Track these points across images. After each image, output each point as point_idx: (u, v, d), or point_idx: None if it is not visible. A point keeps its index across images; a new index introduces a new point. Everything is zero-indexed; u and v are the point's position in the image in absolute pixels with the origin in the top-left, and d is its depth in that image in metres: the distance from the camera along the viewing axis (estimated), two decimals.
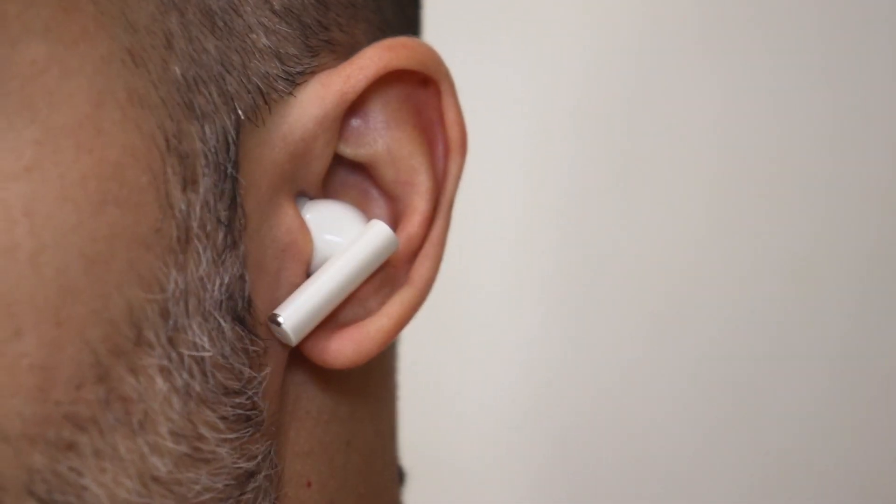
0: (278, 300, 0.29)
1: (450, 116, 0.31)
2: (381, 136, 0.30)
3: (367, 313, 0.30)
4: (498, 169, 0.68)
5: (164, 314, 0.26)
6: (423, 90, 0.31)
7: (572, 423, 0.72)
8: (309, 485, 0.31)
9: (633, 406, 0.71)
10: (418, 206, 0.30)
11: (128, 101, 0.26)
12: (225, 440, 0.27)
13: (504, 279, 0.72)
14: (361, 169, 0.31)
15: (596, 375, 0.72)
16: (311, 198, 0.30)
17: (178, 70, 0.27)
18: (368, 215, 0.31)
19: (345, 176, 0.31)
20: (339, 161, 0.31)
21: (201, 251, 0.27)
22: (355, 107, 0.30)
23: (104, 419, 0.25)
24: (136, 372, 0.26)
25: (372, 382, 0.33)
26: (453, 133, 0.31)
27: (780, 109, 0.67)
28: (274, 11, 0.28)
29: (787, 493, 0.69)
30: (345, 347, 0.29)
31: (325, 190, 0.31)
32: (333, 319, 0.30)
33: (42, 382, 0.25)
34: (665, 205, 0.70)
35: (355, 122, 0.30)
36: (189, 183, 0.27)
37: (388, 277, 0.31)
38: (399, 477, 0.37)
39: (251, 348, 0.28)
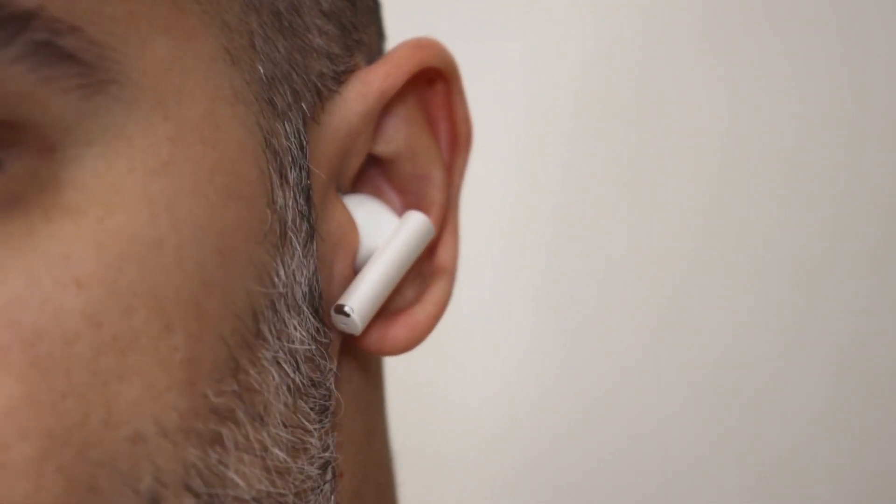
0: (332, 293, 0.30)
1: (459, 112, 0.32)
2: (402, 133, 0.31)
3: (407, 302, 0.32)
4: (492, 167, 0.67)
5: (273, 308, 0.27)
6: (429, 87, 0.32)
7: (566, 423, 0.72)
8: (342, 475, 0.31)
9: (628, 408, 0.71)
10: (435, 198, 0.32)
11: (234, 97, 0.26)
12: (315, 430, 0.28)
13: (497, 277, 0.72)
14: (377, 164, 0.32)
15: (591, 376, 0.72)
16: (344, 192, 0.31)
17: (261, 69, 0.27)
18: (393, 206, 0.32)
19: (363, 171, 0.32)
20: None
21: (295, 245, 0.28)
22: (390, 107, 0.31)
23: (239, 411, 0.26)
24: (256, 365, 0.26)
25: (381, 374, 0.34)
26: (462, 128, 0.32)
27: (787, 109, 0.68)
28: (322, 12, 0.29)
29: (791, 498, 0.70)
30: (401, 334, 0.30)
31: (353, 185, 0.31)
32: (385, 309, 0.31)
33: (191, 376, 0.25)
34: (663, 206, 0.70)
35: (384, 119, 0.31)
36: (284, 179, 0.27)
37: (417, 267, 0.32)
38: None
39: (324, 340, 0.29)
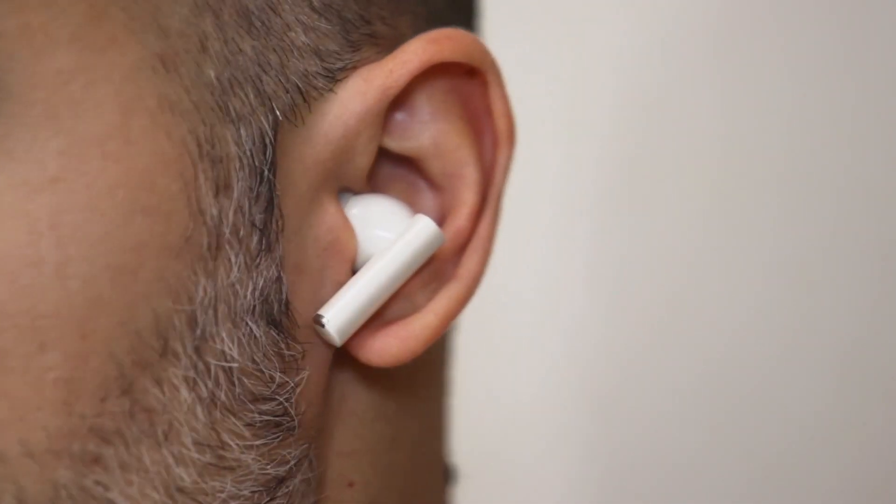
0: (323, 300, 0.29)
1: (497, 107, 0.30)
2: (427, 129, 0.30)
3: (415, 309, 0.30)
4: (533, 161, 0.67)
5: (192, 323, 0.26)
6: (469, 81, 0.30)
7: (623, 416, 0.72)
8: (351, 485, 0.30)
9: (679, 402, 0.71)
10: (466, 198, 0.30)
11: (158, 107, 0.26)
12: (250, 447, 0.27)
13: (542, 272, 0.72)
14: (408, 162, 0.30)
15: (634, 364, 0.71)
16: (356, 193, 0.30)
17: (212, 73, 0.27)
18: (417, 208, 0.30)
19: (391, 169, 0.31)
20: (384, 155, 0.30)
21: (233, 257, 0.27)
22: (400, 100, 0.30)
23: (129, 431, 0.25)
24: (160, 383, 0.26)
25: (420, 378, 0.33)
26: (501, 124, 0.30)
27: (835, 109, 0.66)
28: (313, 8, 0.28)
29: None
30: (389, 346, 0.29)
31: (371, 184, 0.30)
32: (380, 316, 0.30)
33: (67, 396, 0.25)
34: (708, 198, 0.69)
35: (400, 116, 0.30)
36: (222, 188, 0.26)
37: (436, 272, 0.30)
38: (448, 475, 0.36)
39: (286, 352, 0.28)
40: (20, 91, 0.25)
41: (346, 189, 0.30)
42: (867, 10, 0.65)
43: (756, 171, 0.68)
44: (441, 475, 0.35)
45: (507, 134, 0.30)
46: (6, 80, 0.24)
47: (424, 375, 0.33)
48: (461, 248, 0.30)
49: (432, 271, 0.30)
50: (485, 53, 0.30)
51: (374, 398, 0.31)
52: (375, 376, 0.31)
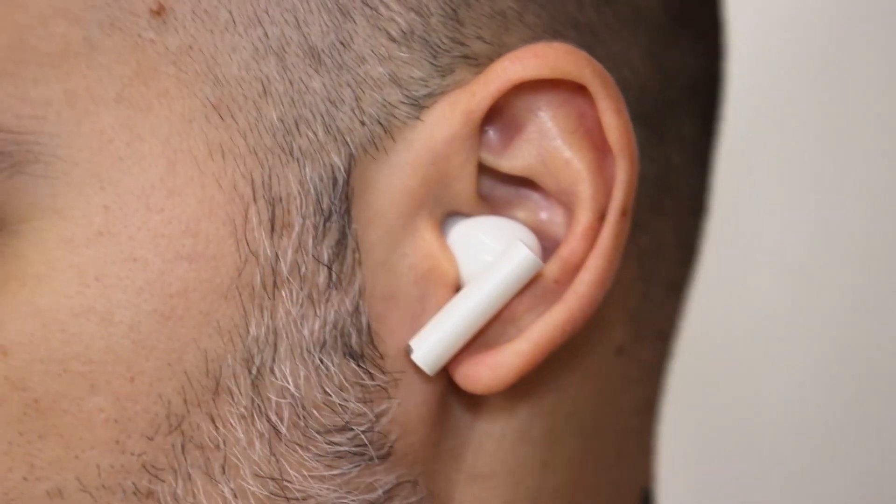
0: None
1: (606, 120, 0.28)
2: (534, 146, 0.29)
3: (520, 333, 0.29)
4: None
5: (247, 361, 0.27)
6: (579, 95, 0.29)
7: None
8: None
9: None
10: (580, 216, 0.28)
11: (208, 155, 0.27)
12: (321, 478, 0.28)
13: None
14: (529, 181, 0.29)
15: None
16: (468, 215, 0.29)
17: (274, 115, 0.27)
18: (543, 228, 0.29)
19: (510, 189, 0.30)
20: (498, 175, 0.29)
21: (294, 294, 0.27)
22: (498, 119, 0.29)
23: (182, 467, 0.27)
24: (214, 420, 0.27)
25: (584, 400, 0.32)
26: (612, 137, 0.28)
27: None
28: (391, 38, 0.28)
29: None
30: (480, 374, 0.28)
31: (489, 205, 0.29)
32: (482, 340, 0.29)
33: (118, 435, 0.27)
34: None
35: (504, 135, 0.29)
36: (279, 228, 0.27)
37: (547, 293, 0.29)
38: (647, 500, 0.35)
39: (370, 383, 0.28)
40: (65, 154, 0.26)
41: (456, 212, 0.29)
42: None
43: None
44: (629, 499, 0.34)
45: (620, 147, 0.28)
46: (51, 145, 0.26)
47: (595, 397, 0.32)
48: (575, 269, 0.29)
49: (542, 293, 0.29)
50: (582, 66, 0.28)
51: (514, 421, 0.30)
52: (516, 398, 0.30)
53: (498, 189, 0.30)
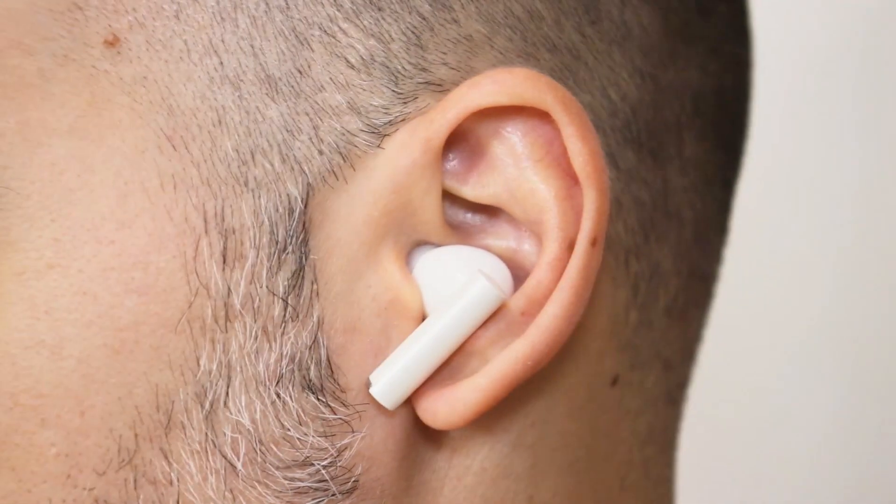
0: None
1: (571, 147, 0.27)
2: (501, 174, 0.28)
3: (483, 366, 0.28)
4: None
5: (200, 395, 0.27)
6: (548, 121, 0.28)
7: None
8: None
9: None
10: (547, 246, 0.28)
11: (160, 187, 0.26)
12: None
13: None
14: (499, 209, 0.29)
15: None
16: (437, 244, 0.28)
17: (229, 145, 0.27)
18: (516, 256, 0.28)
19: (483, 217, 0.29)
20: (469, 203, 0.29)
21: (247, 327, 0.27)
22: (464, 146, 0.28)
23: (134, 502, 0.27)
24: (167, 455, 0.27)
25: (573, 434, 0.31)
26: (577, 164, 0.27)
27: None
28: (350, 65, 0.27)
29: None
30: (438, 409, 0.28)
31: (459, 234, 0.29)
32: (447, 372, 0.28)
33: (69, 469, 0.26)
34: None
35: (466, 162, 0.28)
36: (232, 260, 0.27)
37: (513, 326, 0.28)
38: None
39: (330, 416, 0.27)
40: (18, 186, 0.26)
41: (425, 242, 0.28)
42: None
43: None
44: None
45: (587, 175, 0.27)
46: (4, 177, 0.26)
47: (586, 431, 0.31)
48: (541, 301, 0.28)
49: (504, 326, 0.28)
50: (543, 92, 0.27)
51: (495, 455, 0.29)
52: (494, 432, 0.29)
53: (469, 217, 0.29)
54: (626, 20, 0.30)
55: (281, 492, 0.27)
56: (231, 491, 0.27)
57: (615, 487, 0.32)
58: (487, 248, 0.28)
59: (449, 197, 0.28)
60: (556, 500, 0.31)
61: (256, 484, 0.27)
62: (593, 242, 0.27)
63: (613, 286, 0.31)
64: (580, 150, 0.27)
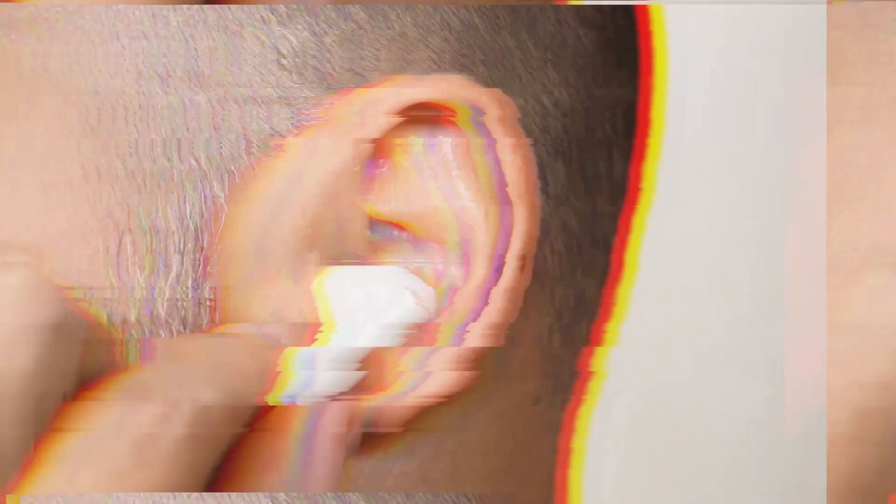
0: None
1: (503, 160, 0.27)
2: (408, 188, 0.27)
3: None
4: None
5: None
6: (480, 131, 0.27)
7: None
8: None
9: None
10: (474, 266, 0.27)
11: (83, 178, 0.25)
12: None
13: None
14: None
15: None
16: (363, 260, 0.27)
17: (155, 136, 0.26)
18: (443, 275, 0.28)
19: (409, 234, 0.28)
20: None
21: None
22: (388, 156, 0.27)
23: None
24: None
25: (494, 442, 0.31)
26: (508, 179, 0.27)
27: None
28: (281, 66, 0.26)
29: None
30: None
31: (386, 250, 0.28)
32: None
33: None
34: None
35: (380, 174, 0.27)
36: (155, 262, 0.26)
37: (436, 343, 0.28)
38: None
39: None
40: None
41: (352, 255, 0.27)
42: None
43: None
44: None
45: (517, 191, 0.27)
46: None
47: (508, 441, 0.31)
48: (466, 322, 0.27)
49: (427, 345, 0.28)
50: (476, 99, 0.27)
51: (414, 459, 0.29)
52: (414, 437, 0.29)
53: (395, 233, 0.28)
54: (563, 33, 0.30)
55: None
56: None
57: (539, 501, 0.32)
58: (413, 266, 0.28)
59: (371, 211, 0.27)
60: None
61: None
62: (522, 263, 0.27)
63: (536, 311, 0.30)
64: (512, 164, 0.27)
